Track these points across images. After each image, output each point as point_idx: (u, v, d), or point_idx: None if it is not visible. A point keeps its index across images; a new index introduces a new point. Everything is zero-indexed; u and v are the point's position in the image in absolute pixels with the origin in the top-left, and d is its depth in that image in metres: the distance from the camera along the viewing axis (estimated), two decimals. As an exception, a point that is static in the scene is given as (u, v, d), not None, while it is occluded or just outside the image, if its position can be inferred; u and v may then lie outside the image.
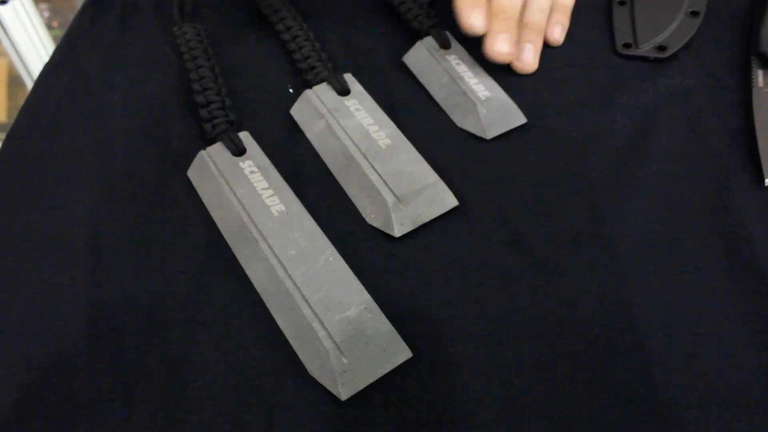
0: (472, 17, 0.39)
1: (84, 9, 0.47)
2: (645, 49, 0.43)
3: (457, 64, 0.41)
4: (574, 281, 0.33)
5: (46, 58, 0.45)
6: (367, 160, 0.36)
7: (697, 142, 0.39)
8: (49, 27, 1.05)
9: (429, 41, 0.42)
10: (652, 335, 0.31)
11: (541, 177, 0.37)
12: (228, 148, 0.37)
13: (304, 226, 0.34)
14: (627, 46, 0.43)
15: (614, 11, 0.45)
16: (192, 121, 0.40)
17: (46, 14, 1.04)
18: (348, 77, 0.40)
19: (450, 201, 0.35)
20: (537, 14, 0.42)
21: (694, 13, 0.44)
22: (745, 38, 0.44)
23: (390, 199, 0.35)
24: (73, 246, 0.34)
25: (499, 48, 0.40)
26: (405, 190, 0.35)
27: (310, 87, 0.40)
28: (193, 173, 0.37)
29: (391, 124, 0.38)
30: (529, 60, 0.41)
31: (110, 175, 0.37)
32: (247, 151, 0.37)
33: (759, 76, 0.41)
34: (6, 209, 0.36)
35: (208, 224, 0.35)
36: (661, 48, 0.43)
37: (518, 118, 0.39)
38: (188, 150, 0.38)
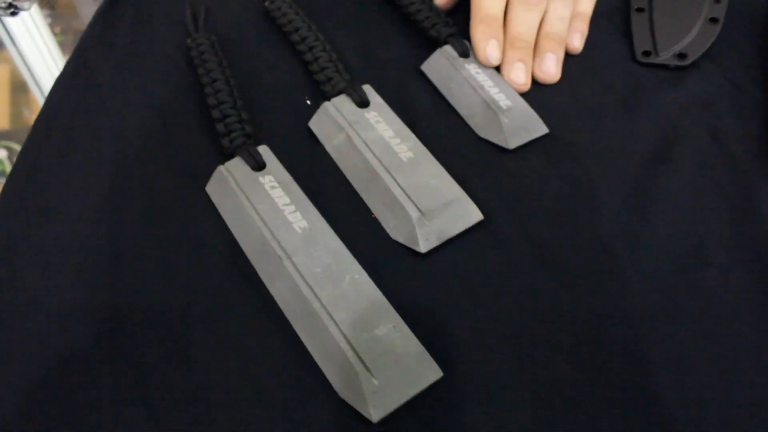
0: (487, 50, 0.40)
1: (95, 20, 0.46)
2: (665, 56, 0.42)
3: (477, 73, 0.40)
4: (602, 296, 0.33)
5: (52, 65, 0.45)
6: (390, 173, 0.36)
7: (720, 152, 0.38)
8: (52, 33, 1.04)
9: (448, 50, 0.42)
10: (684, 352, 0.31)
11: (565, 188, 0.37)
12: (247, 162, 0.36)
13: (328, 243, 0.33)
14: (646, 53, 0.43)
15: (633, 18, 0.45)
16: (208, 135, 0.39)
17: (49, 20, 1.03)
18: (367, 89, 0.40)
19: (475, 215, 0.35)
20: (557, 23, 0.42)
21: (714, 20, 0.44)
22: (764, 45, 0.44)
23: (414, 214, 0.34)
24: (90, 264, 0.34)
25: (515, 78, 0.40)
26: (429, 205, 0.34)
27: (328, 98, 0.40)
28: (211, 188, 0.36)
29: (413, 136, 0.37)
30: (551, 70, 0.41)
31: (127, 192, 0.37)
32: (267, 166, 0.36)
33: (781, 83, 0.40)
34: (22, 226, 0.35)
35: (228, 241, 0.35)
36: (681, 56, 0.42)
37: (540, 128, 0.39)
38: (206, 164, 0.37)
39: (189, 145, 0.39)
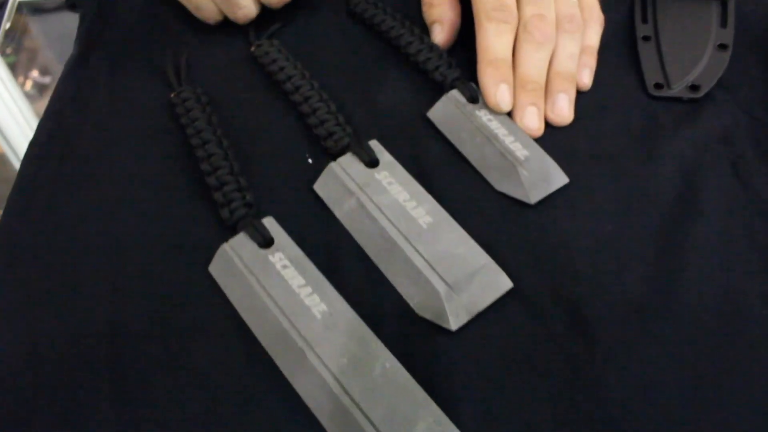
0: (498, 96, 0.38)
1: (66, 75, 0.43)
2: (678, 89, 0.41)
3: (489, 120, 0.38)
4: (645, 364, 0.31)
5: (12, 106, 0.41)
6: (410, 243, 0.33)
7: (746, 192, 0.37)
8: (3, 54, 0.98)
9: (455, 95, 0.39)
10: (744, 416, 0.29)
11: (592, 243, 0.35)
12: (253, 239, 0.33)
13: (351, 328, 0.31)
14: (659, 86, 0.41)
15: (640, 48, 0.43)
16: (205, 204, 0.36)
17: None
18: (374, 144, 0.37)
19: (504, 283, 0.33)
20: (567, 61, 0.40)
21: (723, 47, 0.42)
22: (776, 70, 0.42)
23: (441, 288, 0.32)
24: (89, 365, 0.30)
25: (528, 123, 0.38)
26: (456, 276, 0.32)
27: (331, 155, 0.37)
28: (215, 269, 0.33)
29: (429, 197, 0.35)
30: (564, 112, 0.39)
31: (122, 276, 0.33)
32: (275, 242, 0.33)
33: (799, 113, 0.39)
34: (10, 320, 0.32)
35: (240, 328, 0.32)
36: (694, 87, 0.41)
37: (561, 179, 0.37)
38: (206, 239, 0.34)
39: (184, 217, 0.36)
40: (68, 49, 0.45)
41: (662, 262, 0.34)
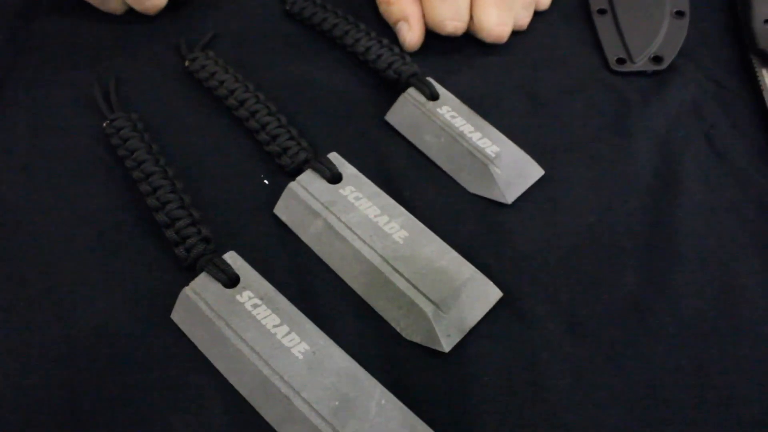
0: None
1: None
2: (641, 62, 0.39)
3: (453, 117, 0.36)
4: (649, 361, 0.30)
5: None
6: (388, 262, 0.31)
7: (722, 164, 0.36)
8: None
9: (412, 94, 0.36)
10: (752, 406, 0.28)
11: (578, 239, 0.33)
12: (217, 278, 0.30)
13: (338, 365, 0.28)
14: (621, 61, 0.39)
15: (596, 22, 0.41)
16: (157, 243, 0.32)
17: None
18: (334, 157, 0.34)
19: (494, 294, 0.31)
20: None
21: (680, 13, 0.41)
22: (735, 35, 0.41)
23: (428, 309, 0.29)
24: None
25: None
26: (442, 293, 0.30)
27: (288, 173, 0.34)
28: (178, 316, 0.30)
29: (401, 209, 0.32)
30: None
31: (72, 340, 0.30)
32: (241, 279, 0.30)
33: (765, 76, 0.38)
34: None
35: (215, 380, 0.29)
36: (658, 59, 0.39)
37: (536, 172, 0.35)
38: (163, 283, 0.31)
39: (135, 261, 0.32)
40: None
41: (652, 251, 0.33)
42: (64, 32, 0.41)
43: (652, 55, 0.39)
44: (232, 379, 0.29)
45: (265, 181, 0.35)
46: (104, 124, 0.36)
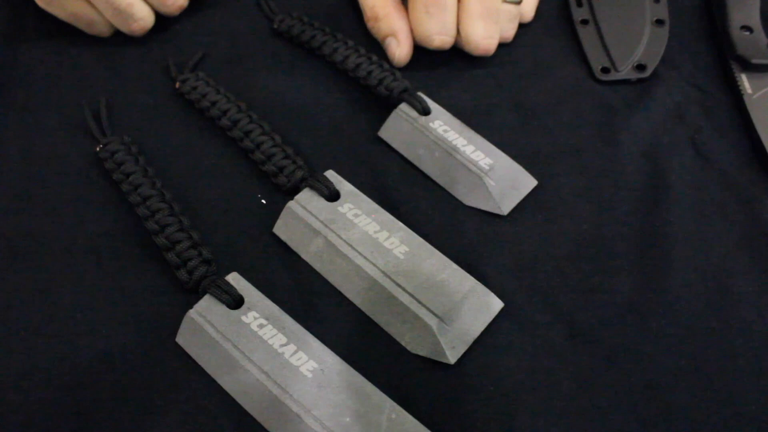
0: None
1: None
2: (625, 71, 0.40)
3: (445, 131, 0.36)
4: (650, 362, 0.30)
5: None
6: (390, 278, 0.31)
7: (709, 167, 0.37)
8: None
9: (404, 110, 0.37)
10: (750, 404, 0.29)
11: (574, 247, 0.34)
12: (221, 300, 0.30)
13: (347, 381, 0.28)
14: (605, 71, 0.40)
15: (580, 32, 0.42)
16: (158, 267, 0.32)
17: None
18: (331, 175, 0.34)
19: (495, 304, 0.31)
20: None
21: (660, 22, 0.42)
22: (713, 42, 0.42)
23: (432, 322, 0.30)
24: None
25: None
26: (445, 306, 0.30)
27: (286, 192, 0.34)
28: (184, 340, 0.30)
29: (400, 224, 0.33)
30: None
31: (78, 369, 0.30)
32: (246, 300, 0.30)
33: (744, 81, 0.39)
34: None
35: (224, 402, 0.29)
36: (641, 67, 0.40)
37: (529, 182, 0.35)
38: (166, 307, 0.31)
39: (136, 286, 0.32)
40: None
41: (645, 255, 0.34)
42: (51, 57, 0.41)
43: (635, 64, 0.40)
44: (242, 401, 0.29)
45: (263, 201, 0.35)
46: (97, 149, 0.36)
